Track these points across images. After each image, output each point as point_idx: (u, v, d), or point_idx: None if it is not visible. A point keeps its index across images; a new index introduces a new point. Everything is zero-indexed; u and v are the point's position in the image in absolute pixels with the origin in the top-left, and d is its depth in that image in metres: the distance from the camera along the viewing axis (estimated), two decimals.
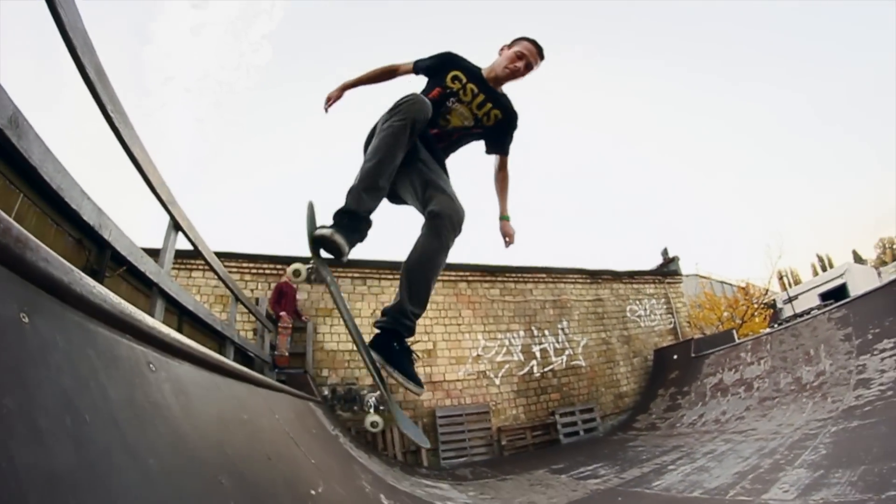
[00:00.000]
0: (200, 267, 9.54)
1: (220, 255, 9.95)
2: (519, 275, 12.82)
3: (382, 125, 2.43)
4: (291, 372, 8.43)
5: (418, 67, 2.92)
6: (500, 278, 12.49)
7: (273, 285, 9.66)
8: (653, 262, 16.88)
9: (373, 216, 2.46)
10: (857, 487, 3.62)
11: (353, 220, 2.38)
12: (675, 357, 12.59)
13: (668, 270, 16.10)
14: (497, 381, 11.41)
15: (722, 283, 32.09)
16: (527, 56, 2.83)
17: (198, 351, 1.78)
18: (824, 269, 59.47)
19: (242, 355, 6.74)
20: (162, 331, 1.40)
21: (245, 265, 10.45)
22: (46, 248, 0.88)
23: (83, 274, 1.01)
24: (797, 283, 51.50)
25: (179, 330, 5.60)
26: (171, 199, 3.75)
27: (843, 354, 7.73)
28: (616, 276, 14.71)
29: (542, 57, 2.90)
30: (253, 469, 1.82)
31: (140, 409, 1.06)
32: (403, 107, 2.39)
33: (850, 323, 8.02)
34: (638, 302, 14.79)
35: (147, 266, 3.39)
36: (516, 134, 3.02)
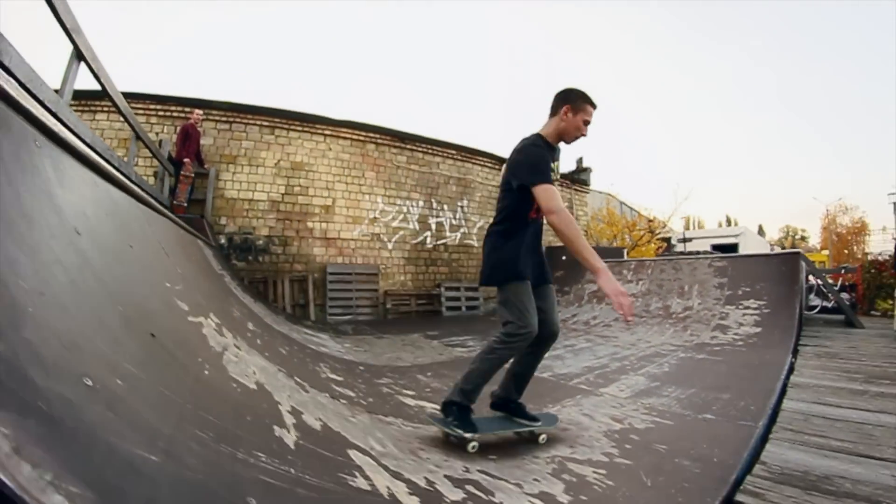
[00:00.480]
0: (105, 108, 8.68)
1: (125, 95, 9.24)
2: (429, 146, 12.58)
3: (498, 345, 2.93)
4: (188, 216, 8.05)
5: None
6: (409, 146, 12.21)
7: (180, 127, 8.94)
8: (566, 168, 16.97)
9: None
10: (682, 404, 4.01)
11: (465, 412, 2.97)
12: (564, 258, 12.85)
13: (577, 178, 16.42)
14: (390, 246, 11.53)
15: (631, 208, 33.04)
16: (590, 121, 3.01)
17: (80, 148, 2.03)
18: None
19: None
20: (50, 120, 1.72)
21: (152, 107, 9.61)
22: None
23: None
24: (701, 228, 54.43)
25: None
26: (75, 26, 3.58)
27: (712, 299, 8.45)
28: None
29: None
30: (114, 246, 2.19)
31: (22, 163, 1.42)
32: (520, 340, 2.88)
33: (727, 275, 8.70)
34: None
35: (46, 94, 3.18)
36: None
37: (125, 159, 6.02)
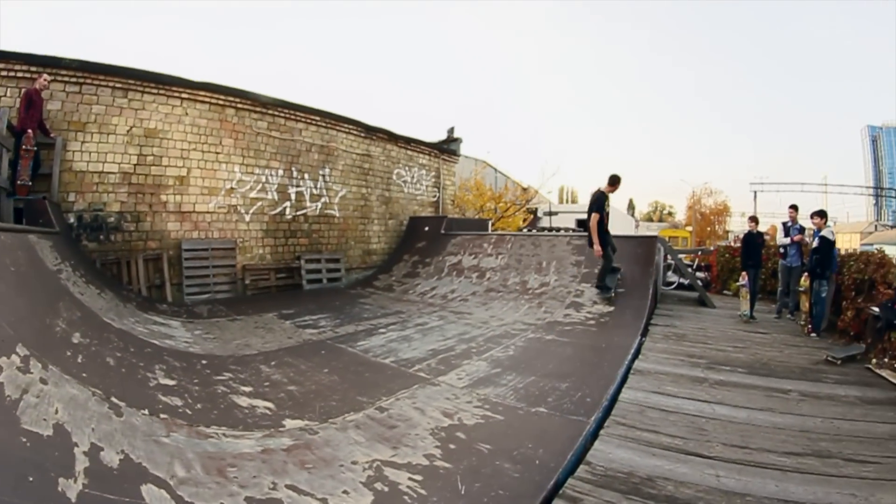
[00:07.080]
0: None
1: None
2: (291, 112, 11.84)
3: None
4: (30, 198, 7.35)
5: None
6: (270, 111, 11.39)
7: (24, 91, 7.44)
8: (438, 137, 16.90)
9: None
10: (518, 395, 3.97)
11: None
12: (427, 229, 13.03)
13: (446, 148, 16.29)
14: (247, 218, 10.80)
15: (505, 175, 33.15)
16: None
17: None
18: None
19: None
20: None
21: None
22: None
23: None
24: (574, 202, 56.99)
25: None
26: None
27: (569, 276, 8.61)
28: (392, 138, 14.41)
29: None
30: None
31: None
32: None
33: (584, 253, 8.78)
34: (408, 168, 14.86)
35: None
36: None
37: None
